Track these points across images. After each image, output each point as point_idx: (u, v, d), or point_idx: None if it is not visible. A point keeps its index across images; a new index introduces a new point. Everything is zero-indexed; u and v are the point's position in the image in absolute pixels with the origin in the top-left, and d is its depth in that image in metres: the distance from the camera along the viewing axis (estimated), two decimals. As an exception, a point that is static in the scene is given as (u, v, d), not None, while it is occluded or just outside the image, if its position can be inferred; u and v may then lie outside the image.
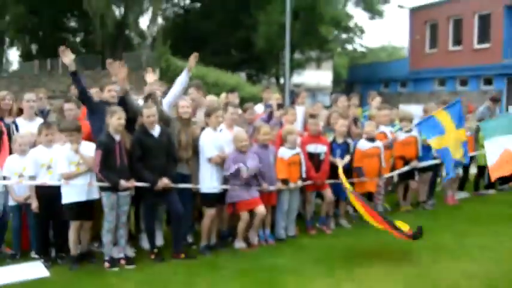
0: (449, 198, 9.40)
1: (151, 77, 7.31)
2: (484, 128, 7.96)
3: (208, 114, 6.66)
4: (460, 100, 8.40)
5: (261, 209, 6.63)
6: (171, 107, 7.03)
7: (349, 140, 7.83)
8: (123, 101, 6.31)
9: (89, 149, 5.99)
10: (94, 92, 7.38)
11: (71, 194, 5.94)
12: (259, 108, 8.41)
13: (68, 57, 6.22)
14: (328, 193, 7.46)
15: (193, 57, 6.92)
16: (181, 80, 6.91)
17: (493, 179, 7.73)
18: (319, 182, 7.31)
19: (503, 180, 10.48)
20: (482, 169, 10.20)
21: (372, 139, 7.86)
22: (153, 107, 6.24)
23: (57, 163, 5.98)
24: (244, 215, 6.61)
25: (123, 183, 5.87)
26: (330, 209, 7.63)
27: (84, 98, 6.46)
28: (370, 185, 7.83)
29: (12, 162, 6.24)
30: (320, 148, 7.37)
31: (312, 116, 7.51)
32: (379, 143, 7.93)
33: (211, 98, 8.03)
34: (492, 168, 7.21)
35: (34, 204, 6.02)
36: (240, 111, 7.57)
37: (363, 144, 7.83)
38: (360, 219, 8.05)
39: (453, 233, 7.38)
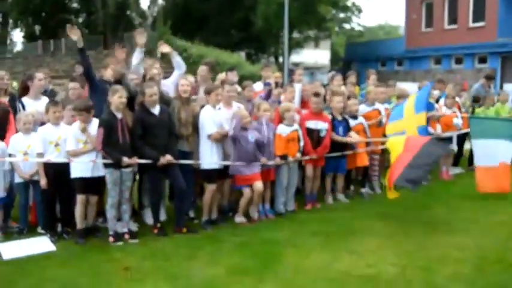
0: (444, 174, 9.58)
1: (165, 48, 7.39)
2: (472, 128, 7.74)
3: (208, 92, 6.78)
4: (430, 86, 8.33)
5: (258, 185, 6.78)
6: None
7: (347, 116, 7.98)
8: (120, 83, 6.45)
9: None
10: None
11: (76, 170, 6.12)
12: (258, 86, 8.49)
13: (75, 35, 6.41)
14: (309, 168, 7.57)
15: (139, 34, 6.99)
16: (176, 63, 7.22)
17: (481, 188, 7.28)
18: (315, 156, 7.44)
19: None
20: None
21: (355, 116, 8.05)
22: (155, 86, 6.38)
23: (67, 140, 6.14)
24: (246, 191, 6.77)
25: (125, 159, 6.01)
26: (313, 186, 7.71)
27: (89, 75, 6.63)
28: (362, 158, 7.98)
29: (17, 140, 6.37)
30: (321, 125, 7.50)
31: (317, 94, 7.62)
32: (362, 119, 8.14)
33: (221, 77, 8.21)
34: (480, 170, 7.23)
35: (43, 181, 6.16)
36: (239, 88, 7.70)
37: (350, 122, 8.00)
38: (357, 193, 8.31)
39: (447, 207, 7.57)
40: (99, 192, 6.43)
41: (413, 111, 7.64)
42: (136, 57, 6.91)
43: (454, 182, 9.40)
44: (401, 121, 7.78)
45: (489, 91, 11.45)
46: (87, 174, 6.11)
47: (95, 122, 6.17)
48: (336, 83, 8.90)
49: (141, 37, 6.85)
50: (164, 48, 7.25)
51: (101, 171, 6.16)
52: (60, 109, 6.28)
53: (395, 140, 7.13)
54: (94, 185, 6.23)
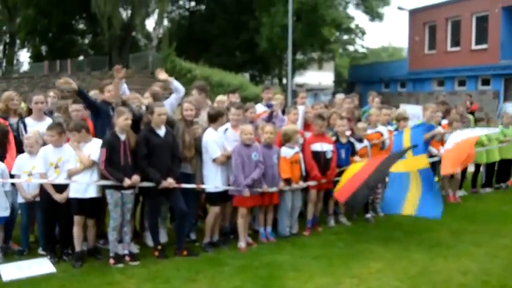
0: (451, 197, 9.56)
1: (163, 75, 7.39)
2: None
3: (221, 116, 6.80)
4: (423, 125, 8.52)
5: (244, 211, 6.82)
6: (175, 109, 7.23)
7: (352, 139, 7.97)
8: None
9: (96, 147, 6.13)
10: (93, 94, 7.53)
11: (72, 190, 6.12)
12: (260, 108, 8.50)
13: (67, 84, 6.46)
14: (313, 192, 7.52)
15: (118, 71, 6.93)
16: (174, 88, 7.24)
17: (443, 171, 8.16)
18: (322, 181, 7.41)
19: (500, 178, 10.66)
20: (480, 167, 10.37)
21: (360, 139, 8.06)
22: (164, 105, 6.42)
23: (67, 162, 6.16)
24: (243, 211, 6.76)
25: (127, 180, 5.98)
26: (316, 209, 7.65)
27: (93, 109, 6.70)
28: None
29: (22, 161, 6.39)
30: (326, 147, 7.48)
31: (321, 117, 7.64)
32: (366, 142, 8.14)
33: (221, 99, 8.25)
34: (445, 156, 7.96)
35: (56, 197, 6.11)
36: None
37: (356, 146, 8.00)
38: (359, 217, 8.24)
39: (450, 231, 7.51)
40: (95, 215, 6.35)
41: (411, 152, 7.60)
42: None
43: (457, 204, 9.34)
44: (403, 161, 7.55)
45: (496, 109, 11.53)
46: (78, 194, 6.09)
47: (93, 142, 6.19)
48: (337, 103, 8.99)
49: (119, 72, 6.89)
50: (161, 75, 7.26)
51: (92, 193, 6.12)
52: (54, 133, 6.17)
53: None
54: (89, 207, 6.17)
